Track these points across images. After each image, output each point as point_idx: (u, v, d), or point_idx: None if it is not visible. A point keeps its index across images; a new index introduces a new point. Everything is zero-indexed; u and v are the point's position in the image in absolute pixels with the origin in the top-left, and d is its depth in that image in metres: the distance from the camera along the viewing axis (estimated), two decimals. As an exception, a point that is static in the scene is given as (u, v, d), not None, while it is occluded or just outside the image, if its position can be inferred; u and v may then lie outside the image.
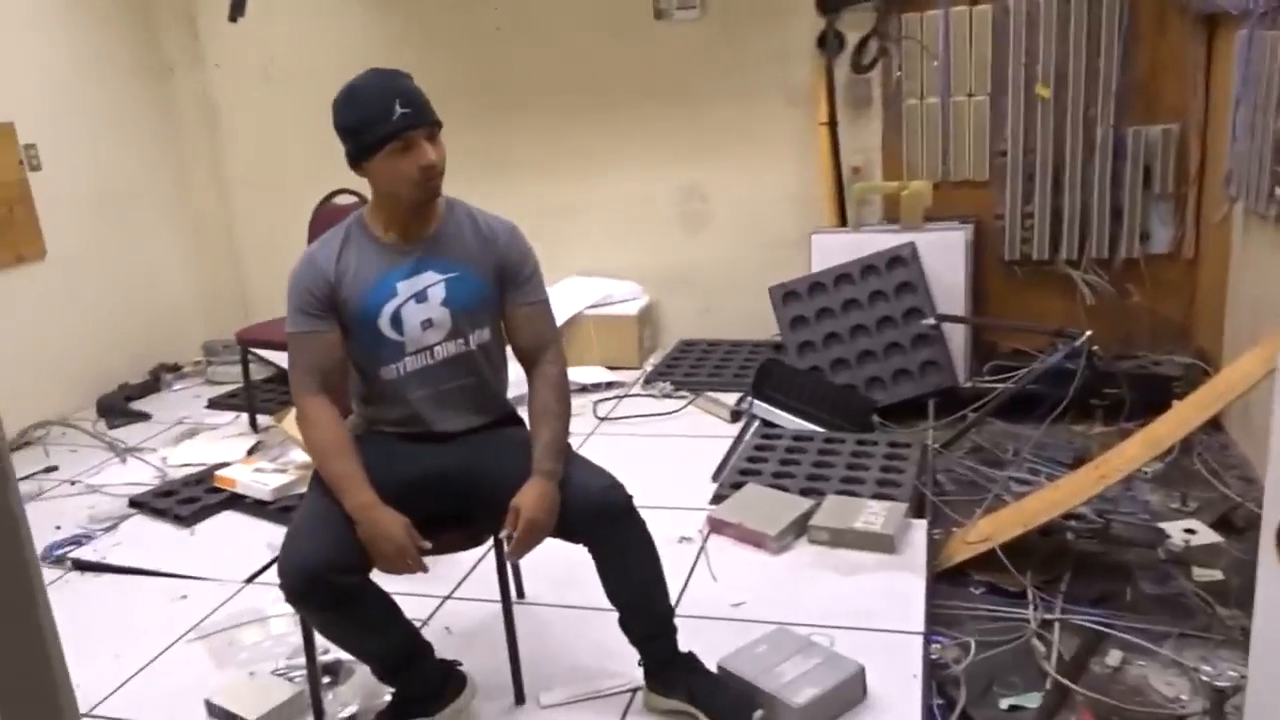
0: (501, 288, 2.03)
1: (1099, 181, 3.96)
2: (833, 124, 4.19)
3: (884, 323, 3.84)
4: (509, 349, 2.11)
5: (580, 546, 1.97)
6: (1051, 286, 4.13)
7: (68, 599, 2.81)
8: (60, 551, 3.04)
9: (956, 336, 3.83)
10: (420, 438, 2.02)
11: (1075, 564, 2.64)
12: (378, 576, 1.88)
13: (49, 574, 2.94)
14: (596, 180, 4.64)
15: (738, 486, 3.09)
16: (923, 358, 3.78)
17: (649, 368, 4.44)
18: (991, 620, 2.43)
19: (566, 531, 1.92)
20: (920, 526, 2.82)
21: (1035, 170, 4.02)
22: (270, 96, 4.91)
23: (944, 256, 3.85)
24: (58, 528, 3.23)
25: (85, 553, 3.02)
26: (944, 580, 2.62)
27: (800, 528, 2.81)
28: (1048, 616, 2.41)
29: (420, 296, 1.96)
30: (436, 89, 2.01)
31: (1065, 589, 2.52)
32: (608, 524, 1.90)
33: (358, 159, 1.90)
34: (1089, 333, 3.34)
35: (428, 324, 1.97)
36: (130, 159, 4.75)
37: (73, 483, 3.64)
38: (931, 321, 3.76)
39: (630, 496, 1.94)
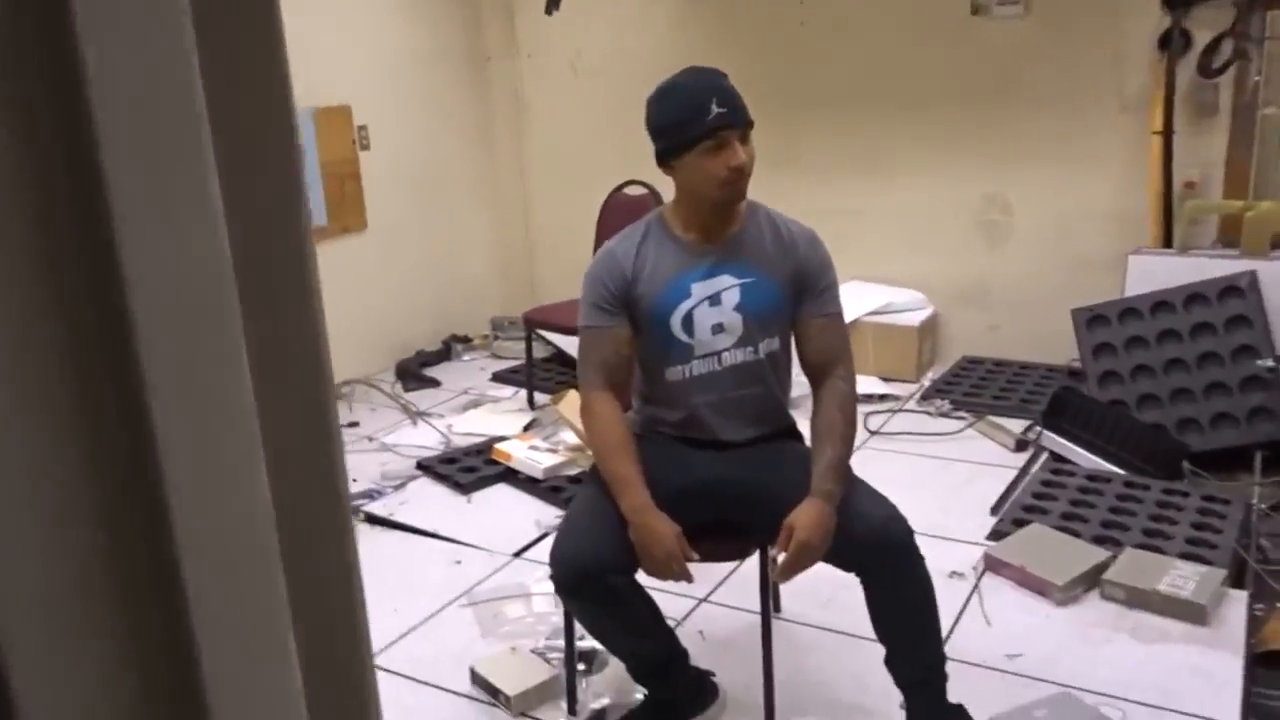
0: (796, 297, 1.95)
1: None
2: (1168, 133, 3.75)
3: (1207, 359, 3.41)
4: (796, 361, 2.03)
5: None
6: None
7: (359, 549, 3.03)
8: (356, 503, 3.30)
9: (1298, 383, 3.33)
10: (699, 443, 1.99)
11: None
12: (642, 577, 1.87)
13: (346, 522, 3.20)
14: (888, 183, 4.45)
15: (1020, 524, 2.85)
16: (1253, 403, 3.31)
17: (927, 383, 4.21)
18: (1326, 724, 2.08)
19: (840, 559, 1.82)
20: (1240, 598, 2.47)
21: None
22: (575, 88, 5.09)
23: (1292, 290, 3.36)
24: (354, 480, 3.51)
25: (376, 507, 3.27)
26: (1265, 664, 2.27)
27: (1092, 580, 2.54)
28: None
29: (714, 300, 1.92)
30: (738, 86, 1.96)
31: None
32: (886, 558, 1.78)
33: (668, 156, 1.89)
34: None
35: (719, 328, 1.93)
36: (446, 141, 5.09)
37: (370, 439, 3.95)
38: (1270, 363, 3.29)
39: (912, 531, 1.81)
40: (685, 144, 1.83)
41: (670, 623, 2.46)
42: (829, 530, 1.78)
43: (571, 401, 3.39)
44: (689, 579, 1.81)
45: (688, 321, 1.92)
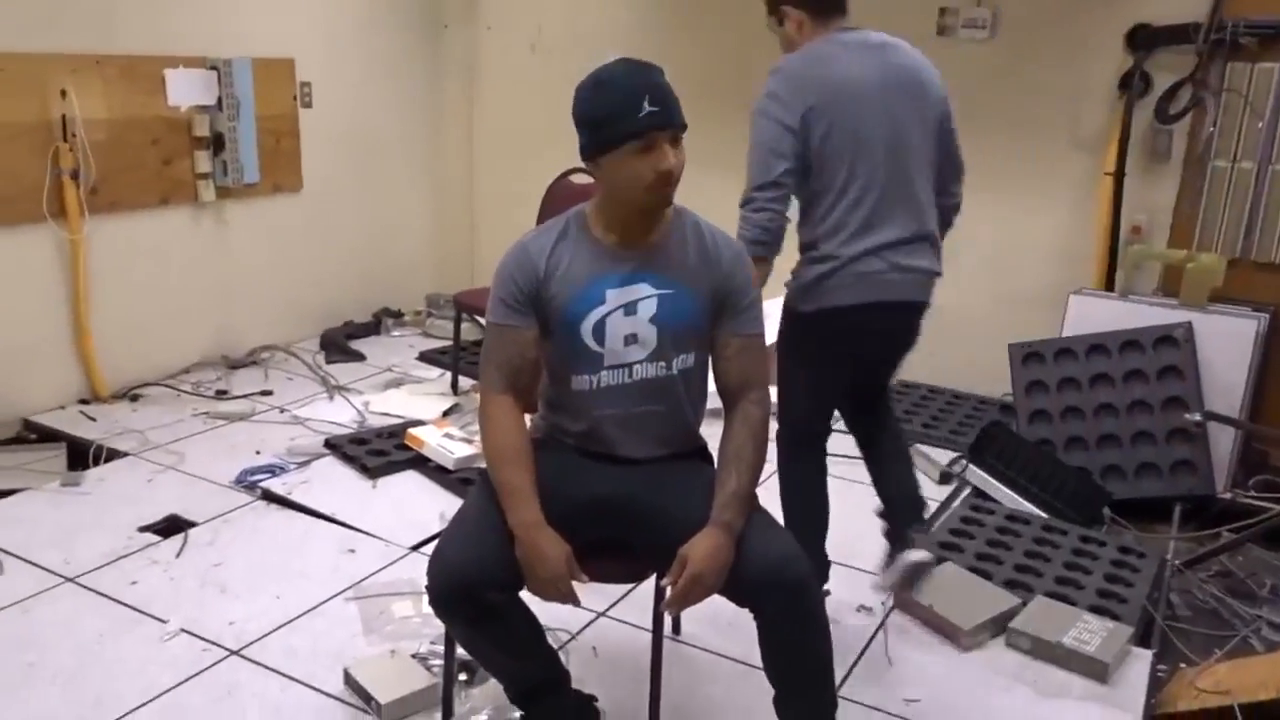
0: (717, 313, 1.85)
1: None
2: (1119, 175, 3.72)
3: (1137, 407, 3.39)
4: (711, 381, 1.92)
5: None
6: (1354, 402, 3.52)
7: (250, 527, 2.89)
8: (254, 479, 3.14)
9: (1223, 440, 3.32)
10: (600, 457, 1.88)
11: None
12: (526, 595, 1.76)
13: (240, 498, 3.05)
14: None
15: (935, 561, 2.78)
16: (1177, 456, 3.30)
17: (859, 403, 4.14)
18: (1215, 797, 2.04)
19: (734, 594, 1.73)
20: (1144, 658, 2.43)
21: (1360, 264, 3.42)
22: (532, 66, 4.94)
23: (1226, 345, 3.35)
24: (257, 453, 3.36)
25: (275, 484, 3.11)
26: (1162, 728, 2.23)
27: (999, 626, 2.48)
28: (1290, 811, 2.00)
29: (629, 309, 1.81)
30: (692, 81, 1.84)
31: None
32: (781, 597, 1.69)
33: (592, 153, 1.76)
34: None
35: (631, 339, 1.81)
36: (394, 106, 4.91)
37: (282, 410, 3.78)
38: (1197, 417, 3.27)
39: (811, 572, 1.71)
40: (612, 141, 1.71)
41: (564, 635, 2.38)
42: (725, 563, 1.68)
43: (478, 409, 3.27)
44: (575, 602, 1.70)
45: (599, 329, 1.81)
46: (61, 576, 2.58)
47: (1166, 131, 3.68)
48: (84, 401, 3.72)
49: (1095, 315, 3.56)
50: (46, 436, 3.47)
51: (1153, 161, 3.74)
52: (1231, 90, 3.52)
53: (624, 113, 1.69)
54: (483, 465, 3.18)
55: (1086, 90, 3.82)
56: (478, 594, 1.67)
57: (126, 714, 2.07)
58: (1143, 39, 3.64)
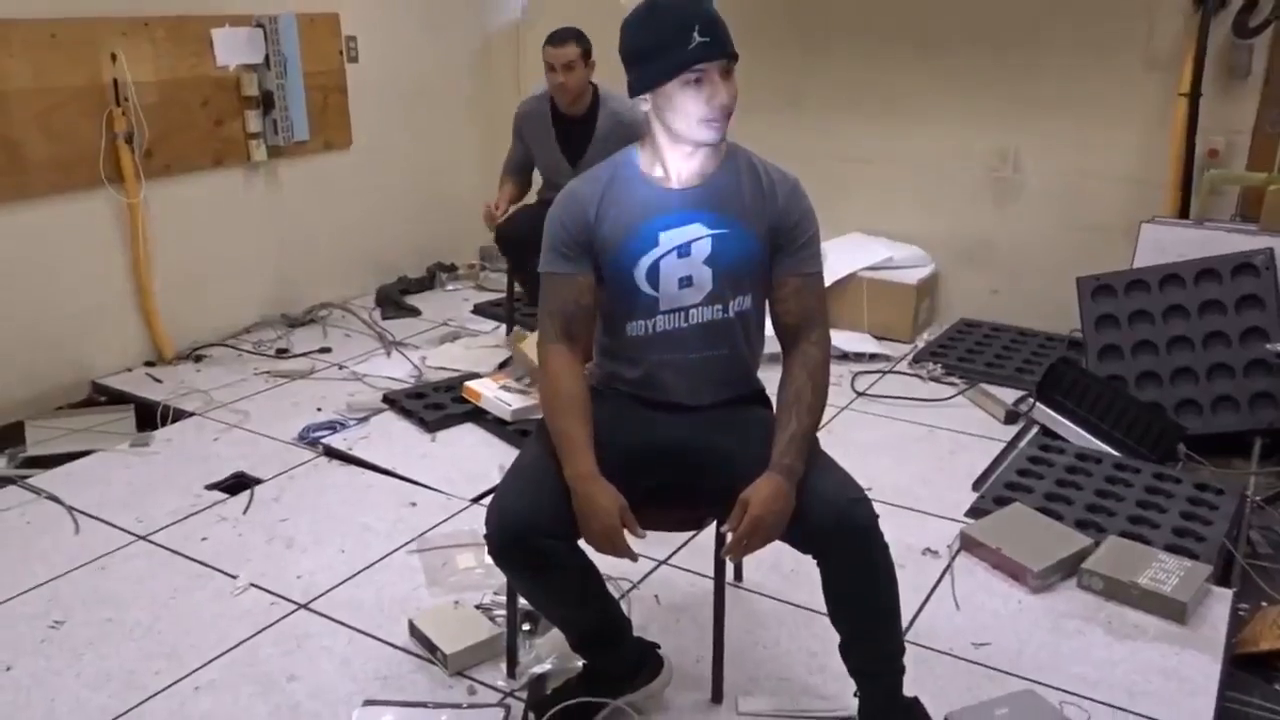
0: (773, 252, 1.79)
1: None
2: (1195, 96, 3.54)
3: (1214, 339, 3.25)
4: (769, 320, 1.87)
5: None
6: None
7: (314, 483, 2.93)
8: (316, 435, 3.17)
9: (1307, 370, 3.18)
10: (657, 404, 1.84)
11: None
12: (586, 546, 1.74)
13: (303, 454, 3.09)
14: (898, 131, 4.24)
15: (1002, 502, 2.72)
16: (1257, 388, 3.17)
17: (921, 344, 4.06)
18: (1302, 738, 1.97)
19: (797, 540, 1.69)
20: (1224, 597, 2.35)
21: None
22: (582, 10, 4.82)
23: (1310, 272, 3.19)
24: (319, 410, 3.39)
25: (336, 440, 3.14)
26: (1243, 668, 2.16)
27: (1070, 568, 2.42)
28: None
29: (683, 250, 1.76)
30: (738, 14, 1.77)
31: None
32: (845, 543, 1.65)
33: (642, 87, 1.71)
34: None
35: (686, 282, 1.77)
36: (438, 59, 4.86)
37: (340, 367, 3.81)
38: (1278, 348, 3.13)
39: (876, 516, 1.67)
40: (662, 74, 1.66)
41: (626, 584, 2.37)
42: (786, 509, 1.64)
43: (532, 342, 3.24)
44: (632, 557, 1.67)
45: (653, 273, 1.76)
46: (134, 535, 2.64)
47: (1246, 46, 3.48)
48: (149, 364, 3.79)
49: (1169, 244, 3.42)
50: (115, 399, 3.54)
51: (1231, 79, 3.55)
52: (1316, -1, 3.31)
53: (673, 44, 1.63)
54: (540, 416, 3.19)
55: (1158, 5, 3.63)
56: (535, 544, 1.66)
57: (201, 667, 2.11)
58: (1220, -51, 3.44)
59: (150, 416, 3.35)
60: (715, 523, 1.85)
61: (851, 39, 4.23)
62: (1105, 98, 3.79)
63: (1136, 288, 3.41)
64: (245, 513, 2.76)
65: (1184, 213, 3.63)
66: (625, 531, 1.65)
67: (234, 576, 2.44)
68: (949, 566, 2.48)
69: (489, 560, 2.05)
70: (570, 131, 3.67)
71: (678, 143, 1.73)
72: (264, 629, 2.24)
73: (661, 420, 1.83)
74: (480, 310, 4.50)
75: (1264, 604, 2.38)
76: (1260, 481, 2.96)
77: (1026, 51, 3.90)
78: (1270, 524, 2.75)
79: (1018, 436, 3.24)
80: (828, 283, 1.85)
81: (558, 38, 3.55)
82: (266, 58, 3.95)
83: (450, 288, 4.89)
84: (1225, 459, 3.09)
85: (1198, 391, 3.22)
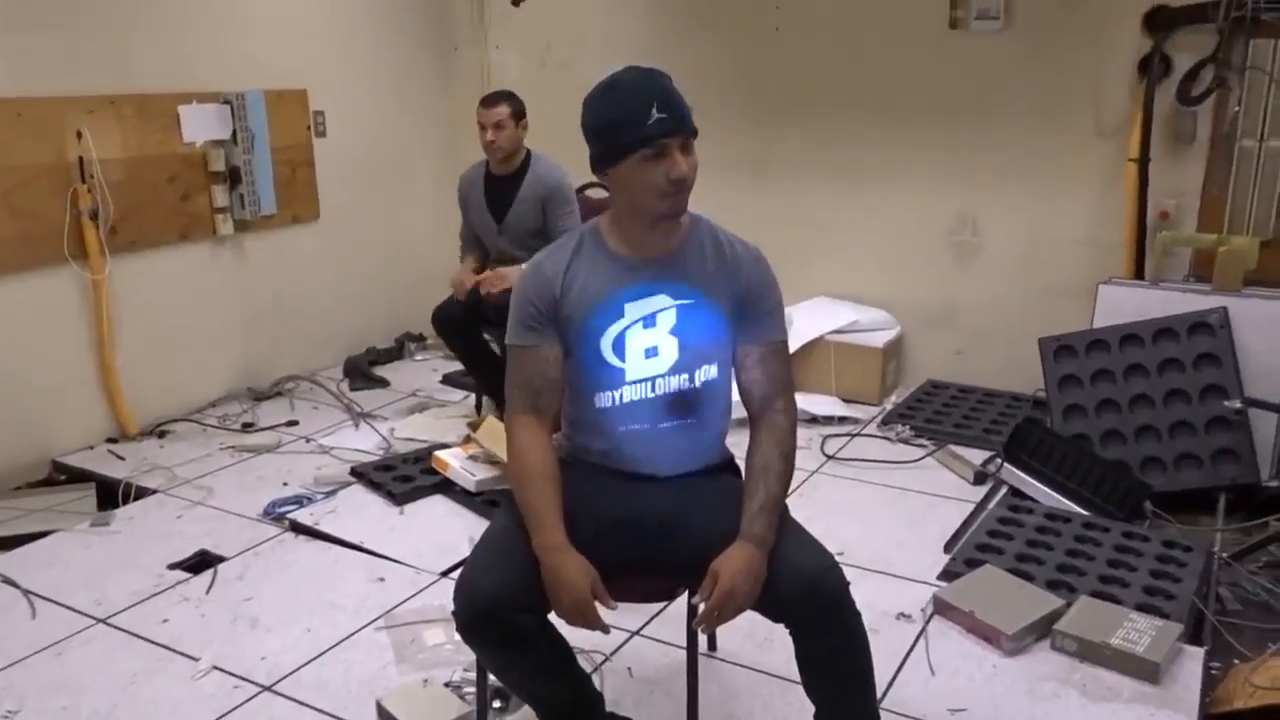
0: (738, 322, 1.81)
1: None
2: (1144, 160, 3.65)
3: (1174, 396, 3.31)
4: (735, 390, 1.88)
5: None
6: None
7: (279, 560, 2.88)
8: (282, 510, 3.13)
9: (1265, 427, 3.22)
10: (626, 475, 1.84)
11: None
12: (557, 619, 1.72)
13: (268, 530, 3.04)
14: (858, 196, 4.32)
15: (973, 564, 2.73)
16: (1218, 444, 3.21)
17: (889, 406, 4.09)
18: (1280, 799, 1.96)
19: (769, 609, 1.68)
20: (1195, 656, 2.35)
21: (1399, 240, 3.32)
22: (544, 82, 4.92)
23: (1263, 330, 3.26)
24: (285, 484, 3.35)
25: (303, 515, 3.10)
26: (1218, 728, 2.16)
27: (1043, 629, 2.41)
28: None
29: (648, 321, 1.77)
30: (703, 87, 1.81)
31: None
32: (817, 612, 1.64)
33: (603, 163, 1.74)
34: None
35: (652, 353, 1.78)
36: (405, 133, 4.92)
37: (308, 440, 3.78)
38: (1237, 404, 3.18)
39: (847, 584, 1.66)
40: (622, 150, 1.69)
41: (598, 657, 2.34)
42: (757, 578, 1.63)
43: (490, 429, 3.24)
44: (603, 629, 1.65)
45: (619, 344, 1.78)
46: (93, 618, 2.58)
47: (1190, 113, 3.61)
48: (112, 440, 3.74)
49: (1127, 305, 3.49)
50: (76, 477, 3.48)
51: (1177, 145, 3.67)
52: (1255, 68, 3.44)
53: (633, 120, 1.66)
54: (506, 486, 3.17)
55: (1106, 76, 3.75)
56: (505, 619, 1.64)
57: (161, 755, 2.05)
58: (1162, 20, 3.58)
59: (112, 495, 3.29)
60: (687, 594, 1.84)
61: (812, 108, 4.33)
62: (1059, 163, 3.90)
63: (1097, 347, 3.46)
64: (208, 592, 2.70)
65: (1139, 273, 3.71)
66: (596, 603, 1.63)
67: (196, 659, 2.38)
68: (923, 631, 2.47)
69: (458, 636, 2.02)
70: (498, 190, 3.73)
71: (640, 216, 1.76)
72: (227, 713, 2.18)
73: (630, 490, 1.82)
74: (449, 380, 4.49)
75: (1236, 661, 2.38)
76: (1226, 537, 2.98)
77: (982, 121, 4.01)
78: (1238, 580, 2.77)
79: (987, 497, 3.26)
80: (794, 346, 1.87)
81: (490, 100, 3.64)
82: (234, 133, 3.98)
83: (419, 358, 4.89)
84: (1192, 515, 3.12)
85: (1161, 449, 3.27)
